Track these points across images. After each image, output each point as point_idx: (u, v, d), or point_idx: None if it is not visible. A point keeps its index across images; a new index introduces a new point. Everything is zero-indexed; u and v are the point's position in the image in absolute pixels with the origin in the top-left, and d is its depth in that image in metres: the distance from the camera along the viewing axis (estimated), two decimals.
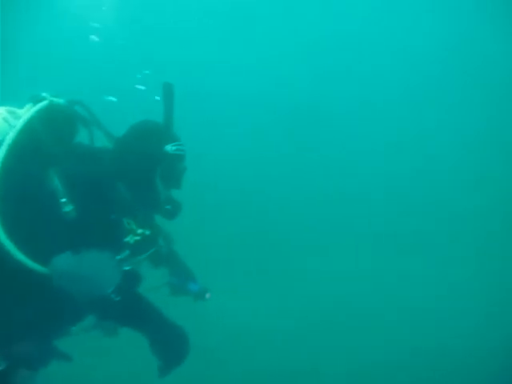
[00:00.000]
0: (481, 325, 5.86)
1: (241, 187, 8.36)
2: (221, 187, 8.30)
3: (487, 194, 7.57)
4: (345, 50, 9.68)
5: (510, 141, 8.05)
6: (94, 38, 7.69)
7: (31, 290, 2.32)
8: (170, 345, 2.47)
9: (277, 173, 8.91)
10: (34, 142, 2.38)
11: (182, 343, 2.53)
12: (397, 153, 8.99)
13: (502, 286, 6.50)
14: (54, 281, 2.27)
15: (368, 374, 5.18)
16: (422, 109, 9.37)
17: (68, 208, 2.29)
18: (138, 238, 2.48)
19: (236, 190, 8.27)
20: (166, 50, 9.05)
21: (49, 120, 2.44)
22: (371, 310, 6.32)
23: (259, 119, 9.32)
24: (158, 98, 2.65)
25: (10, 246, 2.23)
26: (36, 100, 2.48)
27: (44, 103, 2.46)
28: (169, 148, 2.56)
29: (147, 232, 2.52)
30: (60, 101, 2.52)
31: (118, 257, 2.42)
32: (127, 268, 2.44)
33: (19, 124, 2.36)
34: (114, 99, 7.19)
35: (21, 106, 2.51)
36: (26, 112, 2.43)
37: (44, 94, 2.50)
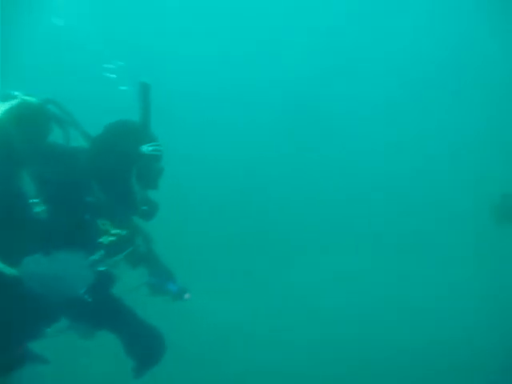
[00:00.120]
0: (480, 324, 5.80)
1: (232, 187, 8.35)
2: (211, 187, 8.28)
3: (487, 193, 7.50)
4: (344, 49, 9.66)
5: (510, 140, 7.99)
6: (57, 21, 7.41)
7: (1, 291, 2.29)
8: (144, 346, 2.45)
9: (270, 172, 8.89)
10: (4, 142, 2.35)
11: (157, 344, 2.51)
12: (397, 152, 8.97)
13: (502, 285, 6.44)
14: (25, 282, 2.24)
15: (361, 375, 5.14)
16: (422, 109, 9.36)
17: (39, 208, 2.26)
18: (112, 238, 2.46)
19: (226, 190, 8.27)
20: (145, 42, 8.98)
21: (20, 119, 2.39)
22: (363, 309, 6.29)
23: (257, 118, 9.31)
24: (123, 88, 2.63)
25: None
26: (7, 98, 2.43)
27: (15, 102, 2.42)
28: (145, 148, 2.54)
29: (123, 232, 2.51)
30: (32, 99, 2.48)
31: (93, 257, 2.39)
32: (101, 269, 2.41)
33: None
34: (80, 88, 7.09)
35: None
36: None
37: (16, 93, 2.47)
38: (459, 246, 7.36)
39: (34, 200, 2.26)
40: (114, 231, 2.47)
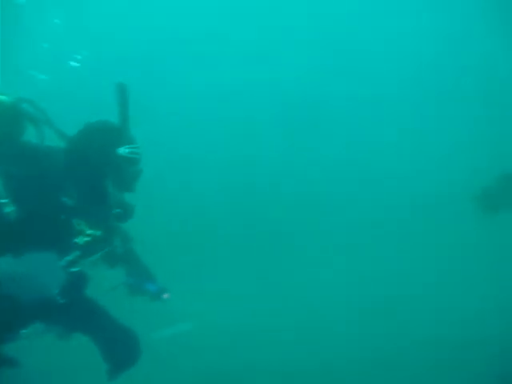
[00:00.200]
0: (478, 321, 5.77)
1: (227, 186, 8.35)
2: (208, 187, 8.28)
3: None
4: (344, 48, 9.64)
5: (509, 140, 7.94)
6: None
7: None
8: (118, 348, 2.44)
9: (265, 170, 8.86)
10: None
11: (132, 346, 2.50)
12: (396, 151, 8.94)
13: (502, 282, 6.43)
14: None
15: (359, 373, 5.12)
16: (422, 108, 9.33)
17: (9, 209, 2.23)
18: (88, 238, 2.44)
19: (221, 189, 8.26)
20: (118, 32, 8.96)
21: None
22: (362, 308, 6.28)
23: (258, 117, 9.31)
24: (92, 79, 2.60)
25: None
26: None
27: None
28: (122, 150, 2.52)
29: (98, 233, 2.48)
30: (4, 98, 2.45)
31: (67, 258, 2.37)
32: (74, 269, 2.39)
33: None
34: (43, 77, 7.04)
35: None
36: None
37: None
38: (459, 246, 7.35)
39: (4, 200, 2.23)
40: (89, 231, 2.44)
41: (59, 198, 2.39)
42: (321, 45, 9.62)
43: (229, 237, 7.81)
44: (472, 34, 8.95)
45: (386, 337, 5.68)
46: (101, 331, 2.42)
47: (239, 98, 9.35)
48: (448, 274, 6.98)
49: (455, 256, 7.17)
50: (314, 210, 8.50)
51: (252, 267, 7.35)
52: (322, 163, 8.98)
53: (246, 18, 9.67)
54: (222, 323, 5.94)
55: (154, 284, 2.97)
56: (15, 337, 2.47)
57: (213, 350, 5.36)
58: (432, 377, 5.09)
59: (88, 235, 2.44)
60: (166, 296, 2.96)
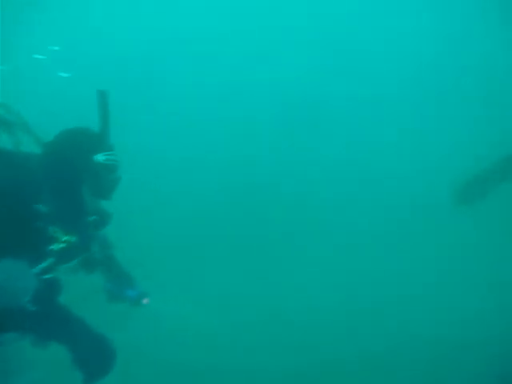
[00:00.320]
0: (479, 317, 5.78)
1: (221, 187, 8.33)
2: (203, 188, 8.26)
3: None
4: (344, 48, 9.63)
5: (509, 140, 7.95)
6: None
7: None
8: (92, 357, 2.40)
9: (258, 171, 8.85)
10: None
11: (106, 355, 2.45)
12: (396, 152, 8.94)
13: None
14: None
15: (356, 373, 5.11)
16: (421, 108, 9.33)
17: None
18: (63, 245, 2.41)
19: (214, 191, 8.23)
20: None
21: None
22: (353, 312, 6.23)
23: (257, 117, 9.31)
24: (63, 74, 2.57)
25: None
26: None
27: None
28: (99, 157, 2.50)
29: (73, 239, 2.45)
30: None
31: (42, 265, 2.34)
32: (46, 277, 2.36)
33: None
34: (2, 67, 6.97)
35: None
36: None
37: None
38: (459, 245, 7.35)
39: None
40: (64, 238, 2.41)
41: (34, 204, 2.35)
42: (321, 45, 9.63)
43: (227, 237, 7.79)
44: (472, 34, 8.96)
45: (386, 337, 5.65)
46: (74, 339, 2.37)
47: (239, 97, 9.35)
48: (448, 273, 6.98)
49: (455, 256, 7.17)
50: (313, 210, 8.50)
51: (252, 267, 7.33)
52: (321, 163, 8.98)
53: (245, 18, 9.68)
54: (220, 323, 5.94)
55: (133, 289, 2.93)
56: None
57: (212, 351, 5.34)
58: (432, 377, 5.07)
59: (63, 242, 2.41)
60: (145, 301, 2.92)
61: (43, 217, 2.35)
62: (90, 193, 2.52)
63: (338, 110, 9.31)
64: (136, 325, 4.12)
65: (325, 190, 8.66)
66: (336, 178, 8.69)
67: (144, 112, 9.10)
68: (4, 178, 2.32)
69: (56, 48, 7.17)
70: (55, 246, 2.39)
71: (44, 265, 2.34)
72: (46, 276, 2.34)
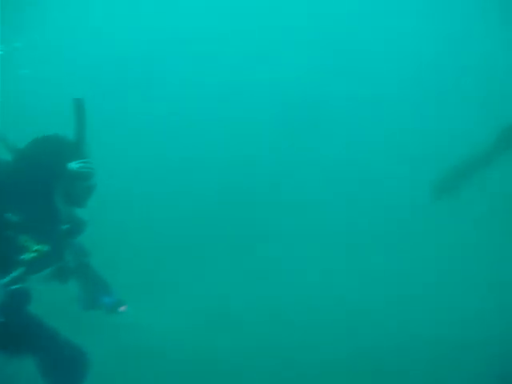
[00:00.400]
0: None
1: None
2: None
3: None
4: (344, 48, 9.63)
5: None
6: None
7: None
8: (62, 369, 2.37)
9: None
10: None
11: (78, 367, 2.42)
12: (396, 152, 8.94)
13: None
14: None
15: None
16: (422, 108, 9.32)
17: None
18: (34, 254, 2.37)
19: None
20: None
21: None
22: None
23: (255, 117, 9.30)
24: (23, 71, 2.55)
25: None
26: None
27: None
28: (73, 165, 2.48)
29: (45, 248, 2.41)
30: None
31: (12, 275, 2.31)
32: (15, 287, 2.32)
33: None
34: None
35: None
36: None
37: None
38: (459, 245, 7.34)
39: None
40: (35, 247, 2.37)
41: (4, 213, 2.33)
42: (321, 45, 9.62)
43: (223, 238, 7.76)
44: (472, 33, 8.95)
45: (386, 337, 5.63)
46: (44, 351, 2.33)
47: (239, 97, 9.35)
48: (448, 273, 6.97)
49: (455, 256, 7.17)
50: (313, 210, 8.49)
51: (251, 267, 7.31)
52: (321, 163, 8.97)
53: (245, 18, 9.68)
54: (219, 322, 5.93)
55: (109, 297, 2.88)
56: None
57: (211, 351, 5.32)
58: (432, 377, 5.06)
59: (35, 251, 2.37)
60: (122, 309, 2.88)
61: (13, 225, 2.32)
62: (64, 201, 2.50)
63: (338, 110, 9.30)
64: (113, 334, 4.04)
65: (324, 190, 8.66)
66: (336, 178, 8.68)
67: (144, 112, 9.11)
68: None
69: (17, 44, 7.16)
70: (26, 256, 2.35)
71: (14, 275, 2.30)
72: (15, 286, 2.29)
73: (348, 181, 8.74)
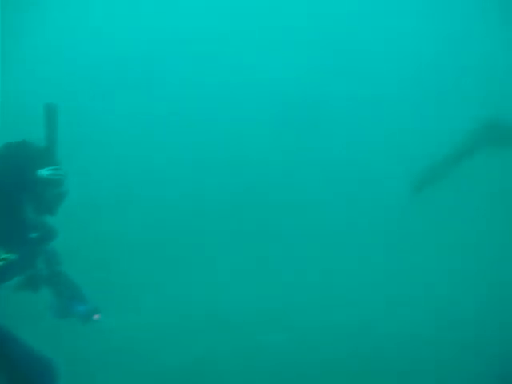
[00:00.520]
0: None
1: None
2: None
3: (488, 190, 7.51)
4: (344, 48, 9.62)
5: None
6: None
7: None
8: (29, 380, 2.31)
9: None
10: None
11: (46, 378, 2.37)
12: (396, 152, 8.92)
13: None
14: None
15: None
16: (422, 108, 9.31)
17: None
18: (1, 263, 2.33)
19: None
20: None
21: None
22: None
23: (255, 118, 9.29)
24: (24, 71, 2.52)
25: None
26: None
27: None
28: (43, 172, 2.44)
29: (12, 257, 2.37)
30: None
31: None
32: None
33: None
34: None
35: None
36: None
37: None
38: (459, 245, 7.34)
39: None
40: (3, 256, 2.34)
41: None
42: (321, 45, 9.61)
43: (224, 238, 7.76)
44: (472, 33, 8.94)
45: (386, 337, 5.65)
46: (9, 361, 2.30)
47: (239, 97, 9.34)
48: (448, 273, 6.97)
49: (455, 256, 7.17)
50: (313, 210, 8.49)
51: (250, 266, 7.31)
52: (321, 163, 8.96)
53: (245, 18, 9.67)
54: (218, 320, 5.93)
55: (83, 304, 2.81)
56: None
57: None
58: (432, 377, 5.07)
59: (2, 259, 2.34)
60: (96, 317, 2.81)
61: None
62: (34, 208, 2.46)
63: (338, 110, 9.29)
64: (86, 342, 3.98)
65: (324, 189, 8.65)
66: (336, 178, 8.68)
67: (144, 112, 9.10)
68: None
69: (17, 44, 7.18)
70: None
71: None
72: None
73: (348, 181, 8.73)
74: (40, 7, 9.08)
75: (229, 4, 9.75)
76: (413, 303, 6.26)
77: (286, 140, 9.11)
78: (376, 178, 8.73)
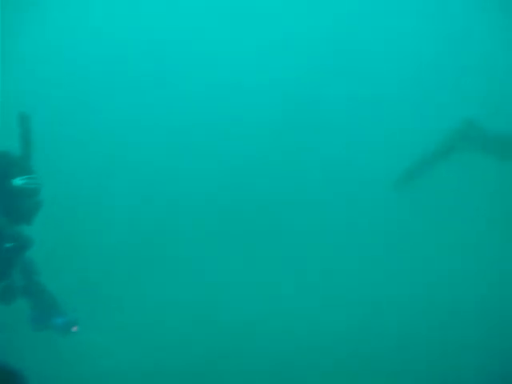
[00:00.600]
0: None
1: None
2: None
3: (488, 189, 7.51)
4: (343, 48, 9.61)
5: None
6: None
7: None
8: None
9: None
10: None
11: None
12: (396, 152, 8.90)
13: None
14: None
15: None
16: (422, 108, 9.30)
17: None
18: None
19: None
20: None
21: None
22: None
23: (256, 118, 9.29)
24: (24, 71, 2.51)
25: None
26: None
27: None
28: (17, 181, 2.42)
29: None
30: None
31: None
32: None
33: None
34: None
35: None
36: None
37: None
38: (459, 245, 7.34)
39: None
40: None
41: None
42: (321, 45, 9.61)
43: (223, 237, 7.76)
44: (472, 33, 8.94)
45: (386, 337, 5.66)
46: None
47: (239, 97, 9.35)
48: (448, 273, 6.97)
49: (455, 255, 7.17)
50: (313, 210, 8.49)
51: (250, 266, 7.32)
52: (321, 163, 8.97)
53: (246, 18, 9.67)
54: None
55: (61, 317, 2.79)
56: None
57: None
58: (432, 377, 5.07)
59: None
60: (74, 329, 2.78)
61: None
62: (8, 218, 2.43)
63: (338, 110, 9.30)
64: (62, 355, 3.94)
65: (324, 189, 8.65)
66: (336, 178, 8.68)
67: (144, 112, 9.11)
68: None
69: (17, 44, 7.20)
70: None
71: None
72: None
73: (348, 181, 8.74)
74: (40, 7, 9.07)
75: (229, 4, 9.75)
76: (413, 303, 6.26)
77: (285, 140, 9.11)
78: (376, 177, 8.73)
